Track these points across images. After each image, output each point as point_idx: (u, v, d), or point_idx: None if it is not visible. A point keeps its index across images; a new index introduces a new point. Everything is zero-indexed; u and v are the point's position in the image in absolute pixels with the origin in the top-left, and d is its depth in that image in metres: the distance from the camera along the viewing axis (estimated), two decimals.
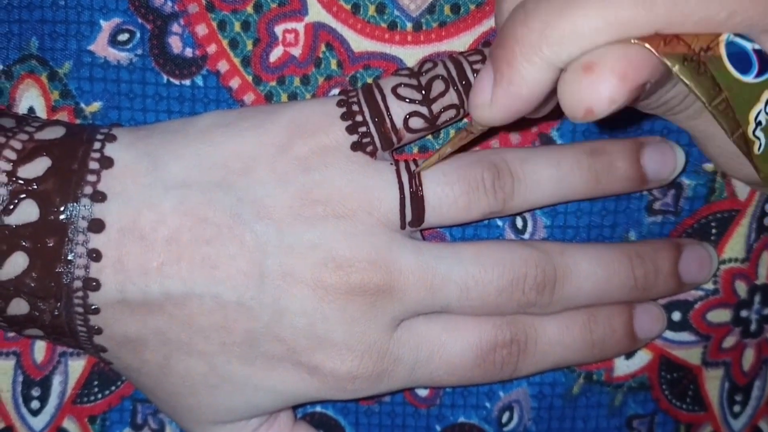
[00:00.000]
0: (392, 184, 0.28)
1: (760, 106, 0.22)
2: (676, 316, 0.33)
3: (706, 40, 0.21)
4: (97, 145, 0.28)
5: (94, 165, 0.28)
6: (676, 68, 0.21)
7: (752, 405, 0.35)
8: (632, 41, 0.21)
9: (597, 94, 0.21)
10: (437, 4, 0.30)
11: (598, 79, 0.20)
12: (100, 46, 0.30)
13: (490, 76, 0.23)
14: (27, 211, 0.27)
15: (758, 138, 0.22)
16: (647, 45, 0.20)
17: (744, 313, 0.34)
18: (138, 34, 0.30)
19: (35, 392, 0.33)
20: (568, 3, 0.21)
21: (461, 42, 0.30)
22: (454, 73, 0.29)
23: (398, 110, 0.29)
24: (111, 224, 0.27)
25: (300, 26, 0.30)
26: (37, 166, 0.27)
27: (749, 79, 0.21)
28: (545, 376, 0.33)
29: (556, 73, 0.22)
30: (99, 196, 0.27)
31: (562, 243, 0.31)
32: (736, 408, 0.35)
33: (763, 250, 0.33)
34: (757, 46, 0.21)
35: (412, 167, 0.29)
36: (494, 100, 0.23)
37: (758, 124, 0.22)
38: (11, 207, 0.27)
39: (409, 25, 0.30)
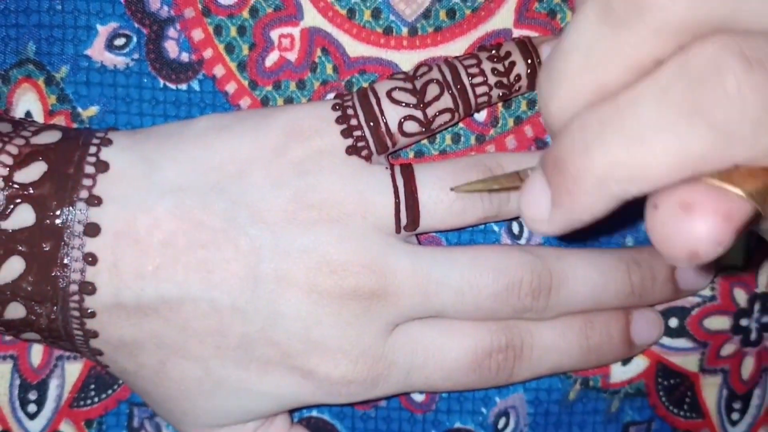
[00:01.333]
0: (387, 188, 0.28)
1: None
2: (673, 322, 0.33)
3: None
4: (92, 149, 0.28)
5: (89, 169, 0.28)
6: None
7: (751, 413, 0.35)
8: (719, 184, 0.19)
9: (702, 237, 0.18)
10: (433, 9, 0.30)
11: (703, 221, 0.18)
12: (96, 51, 0.30)
13: (545, 193, 0.21)
14: (23, 216, 0.27)
15: None
16: (741, 192, 0.18)
17: (744, 322, 0.33)
18: (134, 39, 0.30)
19: (32, 396, 0.33)
20: (636, 136, 0.19)
21: (457, 47, 0.30)
22: (449, 77, 0.29)
23: (393, 114, 0.29)
24: (106, 228, 0.27)
25: (296, 31, 0.30)
26: (33, 171, 0.27)
27: None
28: (541, 382, 0.33)
29: (622, 202, 0.20)
30: (95, 200, 0.27)
31: (559, 248, 0.31)
32: (735, 416, 0.35)
33: (763, 258, 0.33)
34: None
35: (410, 171, 0.29)
36: (553, 220, 0.21)
37: None
38: (7, 212, 0.27)
39: (404, 30, 0.30)
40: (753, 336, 0.34)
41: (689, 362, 0.34)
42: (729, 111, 0.18)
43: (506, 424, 0.34)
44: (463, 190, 0.28)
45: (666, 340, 0.33)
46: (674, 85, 0.18)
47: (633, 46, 0.19)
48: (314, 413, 0.34)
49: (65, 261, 0.27)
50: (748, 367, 0.34)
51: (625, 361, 0.33)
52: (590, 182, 0.19)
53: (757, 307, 0.33)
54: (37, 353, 0.33)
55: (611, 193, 0.19)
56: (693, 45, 0.18)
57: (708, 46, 0.18)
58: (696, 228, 0.18)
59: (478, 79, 0.29)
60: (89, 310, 0.28)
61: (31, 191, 0.27)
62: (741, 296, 0.33)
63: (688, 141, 0.18)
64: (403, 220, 0.29)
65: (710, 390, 0.34)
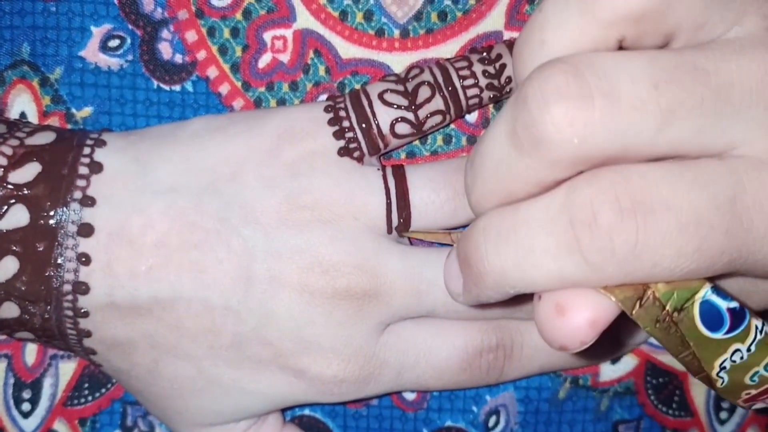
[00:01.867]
0: (379, 190, 0.29)
1: (726, 356, 0.22)
2: None
3: (682, 299, 0.21)
4: (86, 150, 0.28)
5: (83, 170, 0.28)
6: (648, 328, 0.22)
7: (740, 412, 0.35)
8: (598, 291, 0.21)
9: (570, 336, 0.22)
10: (424, 11, 0.30)
11: (571, 324, 0.22)
12: (91, 52, 0.31)
13: (459, 274, 0.25)
14: (17, 216, 0.27)
15: (721, 377, 0.23)
16: (613, 298, 0.21)
17: None
18: (128, 40, 0.31)
19: (26, 394, 0.33)
20: (525, 257, 0.22)
21: (448, 49, 0.30)
22: (440, 79, 0.29)
23: (385, 116, 0.29)
24: (100, 229, 0.27)
25: (288, 33, 0.30)
26: (28, 172, 0.27)
27: (719, 336, 0.22)
28: (532, 381, 0.33)
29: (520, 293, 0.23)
30: (88, 201, 0.27)
31: None
32: (723, 414, 0.35)
33: None
34: (732, 305, 0.22)
35: (402, 173, 0.29)
36: (465, 297, 0.25)
37: (722, 368, 0.23)
38: (1, 212, 0.27)
39: (396, 32, 0.30)
40: None
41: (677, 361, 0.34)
42: (600, 252, 0.20)
43: (497, 423, 0.34)
44: (406, 235, 0.29)
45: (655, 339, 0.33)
46: (558, 218, 0.21)
47: (534, 170, 0.21)
48: (306, 412, 0.34)
49: (59, 261, 0.27)
50: None
51: (615, 360, 0.34)
52: (489, 282, 0.23)
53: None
54: (31, 352, 0.33)
55: (506, 291, 0.23)
56: (579, 182, 0.21)
57: (587, 189, 0.21)
58: (566, 329, 0.22)
59: (470, 81, 0.29)
60: (83, 310, 0.28)
61: (26, 192, 0.27)
62: None
63: (565, 268, 0.21)
64: (395, 221, 0.29)
65: (699, 389, 0.34)
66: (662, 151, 0.21)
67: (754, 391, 0.23)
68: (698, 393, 0.34)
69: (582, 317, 0.21)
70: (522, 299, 0.27)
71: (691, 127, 0.20)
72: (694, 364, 0.22)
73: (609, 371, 0.34)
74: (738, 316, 0.22)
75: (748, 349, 0.22)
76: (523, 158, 0.21)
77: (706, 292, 0.21)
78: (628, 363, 0.34)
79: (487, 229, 0.23)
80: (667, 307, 0.21)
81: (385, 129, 0.29)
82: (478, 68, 0.29)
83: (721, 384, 0.23)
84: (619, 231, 0.20)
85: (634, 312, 0.21)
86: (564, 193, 0.21)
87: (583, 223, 0.20)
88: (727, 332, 0.22)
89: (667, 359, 0.34)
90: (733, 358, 0.22)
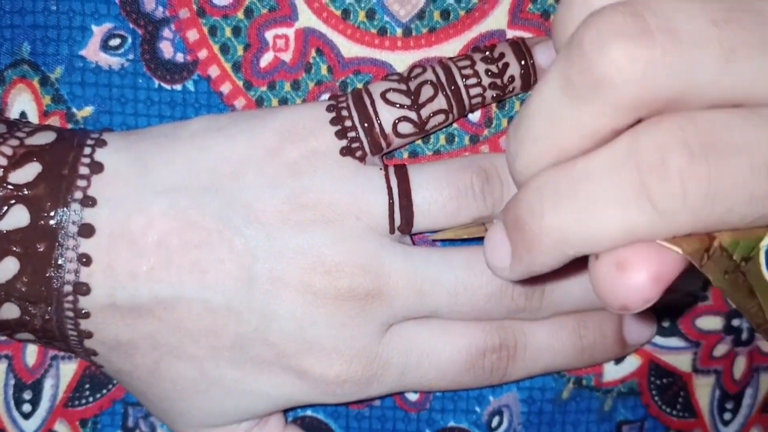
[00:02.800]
0: (381, 189, 0.28)
1: None
2: (666, 321, 0.33)
3: (748, 247, 0.20)
4: (87, 150, 0.28)
5: (84, 170, 0.28)
6: (717, 281, 0.20)
7: (743, 413, 0.35)
8: (663, 244, 0.20)
9: (632, 294, 0.20)
10: (427, 9, 0.30)
11: (633, 281, 0.20)
12: (91, 51, 0.30)
13: (506, 244, 0.23)
14: (17, 217, 0.27)
15: None
16: (681, 251, 0.20)
17: (735, 322, 0.34)
18: (129, 40, 0.30)
19: (27, 395, 0.33)
20: (587, 208, 0.20)
21: (451, 47, 0.30)
22: (443, 78, 0.29)
23: (387, 115, 0.29)
24: (101, 229, 0.27)
25: (290, 32, 0.30)
26: (28, 172, 0.27)
27: None
28: (535, 381, 0.33)
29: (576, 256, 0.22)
30: (89, 201, 0.27)
31: None
32: (727, 416, 0.35)
33: None
34: None
35: (404, 172, 0.29)
36: (512, 269, 0.24)
37: None
38: (2, 212, 0.27)
39: (398, 31, 0.30)
40: (744, 336, 0.34)
41: (682, 361, 0.34)
42: (671, 198, 0.19)
43: (500, 423, 0.34)
44: (436, 237, 0.29)
45: (659, 339, 0.33)
46: (623, 165, 0.20)
47: (591, 118, 0.20)
48: (308, 412, 0.34)
49: (59, 262, 0.27)
50: (740, 367, 0.34)
51: (618, 360, 0.33)
52: (546, 244, 0.21)
53: None
54: (31, 353, 0.33)
55: (564, 253, 0.22)
56: (643, 127, 0.20)
57: (655, 132, 0.20)
58: (627, 287, 0.20)
59: (472, 80, 0.29)
60: (83, 311, 0.28)
61: (26, 192, 0.27)
62: None
63: (632, 218, 0.20)
64: (397, 221, 0.29)
65: (703, 391, 0.34)
66: (724, 94, 0.20)
67: None
68: (702, 395, 0.34)
69: (645, 272, 0.20)
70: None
71: (753, 68, 0.19)
72: (759, 315, 0.21)
73: (612, 371, 0.34)
74: None
75: None
76: (581, 107, 0.20)
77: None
78: (631, 363, 0.34)
79: (542, 188, 0.21)
80: (735, 257, 0.20)
81: (388, 128, 0.29)
82: (480, 67, 0.29)
83: None
84: (690, 174, 0.19)
85: (702, 264, 0.20)
86: (628, 140, 0.20)
87: (651, 167, 0.19)
88: None
89: (670, 359, 0.34)
90: None
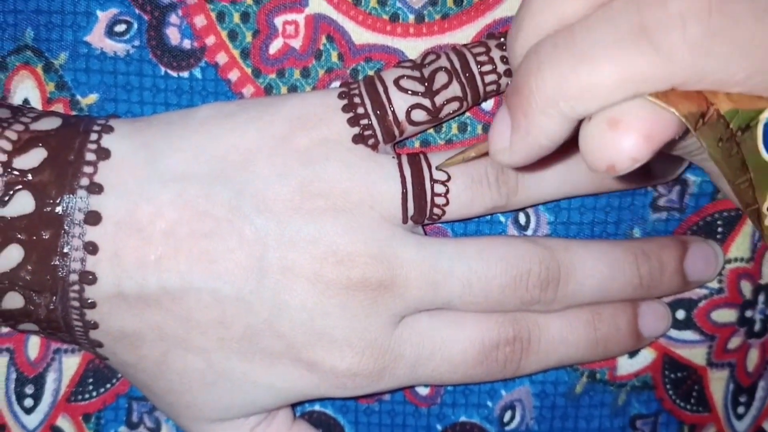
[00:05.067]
0: (394, 178, 0.28)
1: None
2: (680, 314, 0.33)
3: (746, 117, 0.20)
4: (94, 137, 0.27)
5: (90, 156, 0.27)
6: (710, 148, 0.20)
7: (756, 406, 0.35)
8: (659, 103, 0.20)
9: (621, 152, 0.20)
10: None
11: (623, 138, 0.20)
12: (96, 37, 0.30)
13: (507, 121, 0.23)
14: (22, 203, 0.26)
15: None
16: (676, 112, 0.20)
17: (749, 313, 0.33)
18: (135, 25, 0.30)
19: (29, 390, 0.32)
20: (584, 55, 0.20)
21: (464, 34, 0.30)
22: (457, 65, 0.28)
23: (400, 102, 0.28)
24: (108, 217, 0.27)
25: (300, 18, 0.30)
26: (33, 158, 0.27)
27: None
28: (548, 375, 0.33)
29: (574, 123, 0.21)
30: (96, 188, 0.27)
31: (566, 239, 0.31)
32: (740, 409, 0.34)
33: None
34: None
35: (417, 161, 0.28)
36: (513, 146, 0.23)
37: None
38: (6, 198, 0.26)
39: (411, 17, 0.30)
40: (757, 327, 0.33)
41: (696, 355, 0.33)
42: (671, 34, 0.19)
43: (512, 418, 0.33)
44: (445, 165, 0.28)
45: (673, 333, 0.33)
46: (623, 9, 0.20)
47: None
48: (317, 407, 0.33)
49: (65, 250, 0.26)
50: (753, 359, 0.34)
51: (632, 354, 0.33)
52: (542, 100, 0.21)
53: (761, 298, 0.33)
54: (33, 346, 0.32)
55: (561, 112, 0.21)
56: None
57: None
58: (616, 144, 0.20)
59: (487, 68, 0.28)
60: (89, 300, 0.27)
61: (31, 178, 0.26)
62: (747, 288, 0.33)
63: (631, 59, 0.20)
64: (410, 210, 0.28)
65: (717, 384, 0.34)
66: None
67: None
68: (717, 389, 0.34)
69: (637, 129, 0.20)
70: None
71: None
72: (748, 193, 0.21)
73: (626, 365, 0.33)
74: None
75: None
76: None
77: None
78: (645, 357, 0.33)
79: (539, 48, 0.21)
80: (731, 125, 0.20)
81: (401, 116, 0.28)
82: (496, 54, 0.29)
83: None
84: (691, 12, 0.19)
85: (697, 128, 0.20)
86: None
87: (651, 6, 0.19)
88: None
89: (685, 353, 0.33)
90: None
